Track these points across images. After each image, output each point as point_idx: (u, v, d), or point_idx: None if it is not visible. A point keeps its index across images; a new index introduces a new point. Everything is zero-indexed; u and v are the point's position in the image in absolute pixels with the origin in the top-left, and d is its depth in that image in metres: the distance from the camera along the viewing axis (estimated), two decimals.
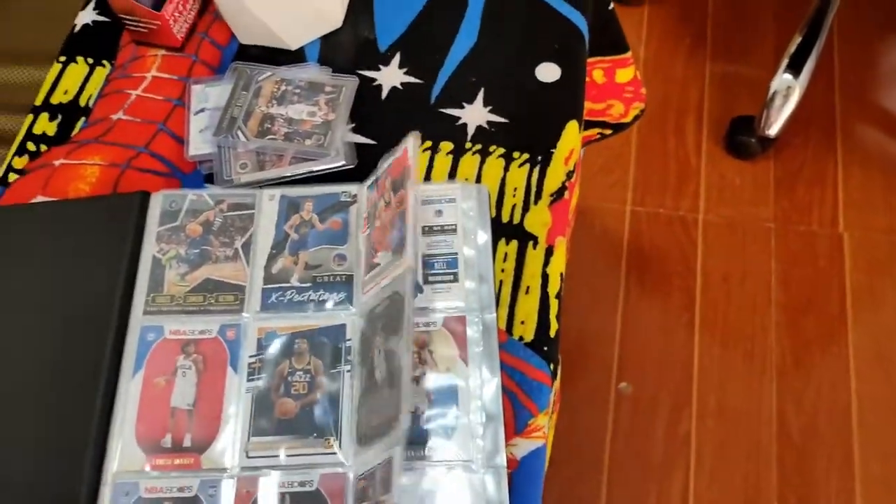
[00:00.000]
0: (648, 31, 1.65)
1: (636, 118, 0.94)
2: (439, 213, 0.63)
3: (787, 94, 1.43)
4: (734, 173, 1.48)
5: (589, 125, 0.92)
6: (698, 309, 1.35)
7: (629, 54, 0.87)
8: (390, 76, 0.72)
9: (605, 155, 1.48)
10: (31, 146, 0.70)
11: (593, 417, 1.26)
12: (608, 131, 0.95)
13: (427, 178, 0.67)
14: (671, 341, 1.32)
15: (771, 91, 1.42)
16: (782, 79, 1.42)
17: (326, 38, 0.75)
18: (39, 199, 0.66)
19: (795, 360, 1.29)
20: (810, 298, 1.34)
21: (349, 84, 0.70)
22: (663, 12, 1.67)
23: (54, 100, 0.72)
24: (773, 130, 1.43)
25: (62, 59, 0.74)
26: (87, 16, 0.77)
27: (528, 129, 0.69)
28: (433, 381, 0.57)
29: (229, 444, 0.55)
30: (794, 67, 1.42)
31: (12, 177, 0.68)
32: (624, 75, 0.88)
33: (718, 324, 1.33)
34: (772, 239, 1.41)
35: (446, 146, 0.68)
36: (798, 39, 1.44)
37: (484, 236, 0.62)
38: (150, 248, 0.62)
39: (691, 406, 1.26)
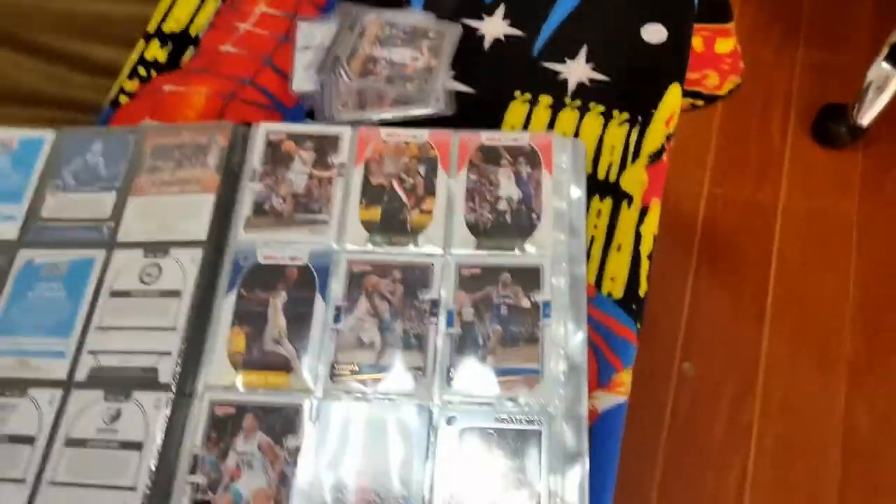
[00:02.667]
0: (741, 9, 1.61)
1: (731, 92, 0.92)
2: None
3: (884, 84, 1.37)
4: (819, 162, 1.44)
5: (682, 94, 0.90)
6: (771, 298, 1.32)
7: (732, 24, 0.85)
8: (493, 27, 0.72)
9: (685, 132, 1.45)
10: (142, 71, 0.72)
11: (654, 395, 1.25)
12: (700, 102, 0.93)
13: (525, 129, 0.67)
14: (740, 328, 1.30)
15: (867, 80, 1.37)
16: (881, 68, 1.37)
17: None
18: (147, 121, 0.69)
19: (869, 359, 1.26)
20: (891, 297, 1.30)
21: (452, 31, 0.70)
22: None
23: (166, 28, 0.74)
24: (865, 120, 1.38)
25: None
26: None
27: (630, 88, 0.68)
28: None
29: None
30: (894, 58, 1.37)
31: (123, 99, 0.71)
32: (724, 46, 0.86)
33: (791, 315, 1.30)
34: (854, 232, 1.37)
35: (546, 100, 0.68)
36: None
37: (577, 191, 0.62)
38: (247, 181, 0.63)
39: (755, 395, 1.24)
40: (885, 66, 1.37)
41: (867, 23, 1.56)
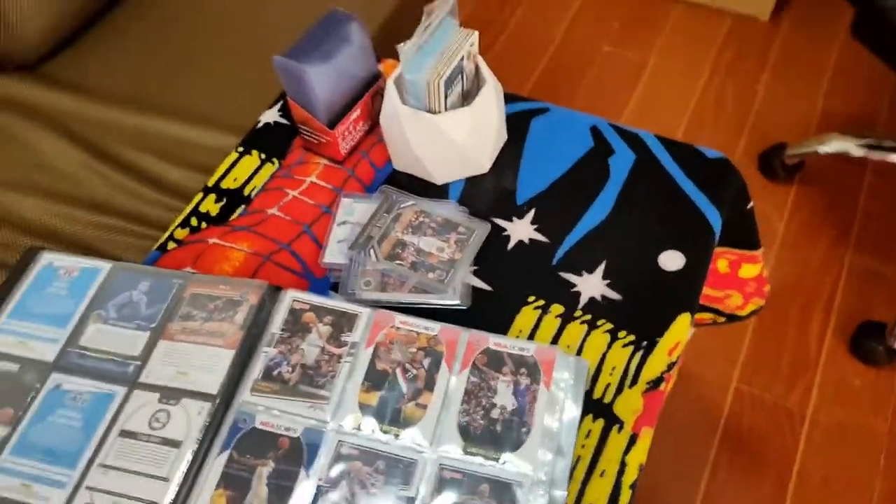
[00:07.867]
0: (792, 211, 1.63)
1: (753, 313, 0.93)
2: None
3: None
4: (854, 376, 1.41)
5: (704, 309, 0.92)
6: None
7: (759, 252, 0.87)
8: (521, 229, 0.76)
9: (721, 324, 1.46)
10: (193, 221, 0.78)
11: None
12: (721, 319, 0.94)
13: (531, 336, 0.69)
14: None
15: None
16: None
17: (471, 180, 0.80)
18: (188, 270, 0.74)
19: None
20: None
21: (480, 229, 0.75)
22: (812, 194, 1.65)
23: (224, 184, 0.81)
24: None
25: (240, 149, 0.84)
26: (270, 115, 0.87)
27: (640, 311, 0.70)
28: None
29: None
30: None
31: (171, 245, 0.77)
32: (749, 271, 0.88)
33: None
34: (882, 455, 1.32)
35: (556, 309, 0.71)
36: None
37: (573, 411, 0.64)
38: (265, 344, 0.67)
39: None
40: None
41: None
